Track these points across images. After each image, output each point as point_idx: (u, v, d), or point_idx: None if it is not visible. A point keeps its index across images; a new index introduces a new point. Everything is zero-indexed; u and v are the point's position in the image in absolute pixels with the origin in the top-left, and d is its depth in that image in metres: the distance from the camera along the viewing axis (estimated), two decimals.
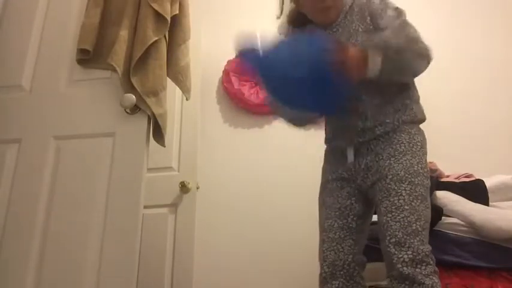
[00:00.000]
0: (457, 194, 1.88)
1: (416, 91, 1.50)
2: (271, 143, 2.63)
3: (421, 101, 1.50)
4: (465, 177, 2.06)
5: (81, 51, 1.75)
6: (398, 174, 1.33)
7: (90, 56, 1.75)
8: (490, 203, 1.88)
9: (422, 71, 1.43)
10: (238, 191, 2.59)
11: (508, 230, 1.70)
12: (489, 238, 1.73)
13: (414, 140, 1.40)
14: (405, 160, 1.36)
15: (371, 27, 1.44)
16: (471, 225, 1.75)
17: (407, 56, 1.34)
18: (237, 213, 2.54)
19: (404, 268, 1.23)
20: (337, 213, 1.43)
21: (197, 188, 2.28)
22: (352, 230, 1.41)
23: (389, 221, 1.29)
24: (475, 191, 1.90)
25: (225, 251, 2.48)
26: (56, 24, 1.88)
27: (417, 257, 1.24)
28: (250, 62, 1.43)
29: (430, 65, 1.40)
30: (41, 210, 1.60)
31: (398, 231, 1.27)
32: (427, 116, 1.48)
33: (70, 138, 1.70)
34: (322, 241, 1.44)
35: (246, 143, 2.68)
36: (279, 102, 1.43)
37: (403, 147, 1.38)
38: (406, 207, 1.29)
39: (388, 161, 1.37)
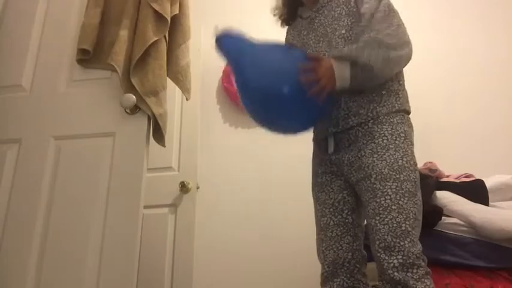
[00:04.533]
0: (457, 194, 1.88)
1: (397, 82, 1.44)
2: (272, 143, 2.63)
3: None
4: (465, 177, 2.05)
5: (81, 51, 1.75)
6: (382, 172, 1.29)
7: (90, 56, 1.75)
8: (490, 203, 1.88)
9: (399, 69, 1.43)
10: (238, 191, 2.59)
11: (509, 230, 1.69)
12: (489, 238, 1.72)
13: (397, 130, 1.35)
14: (388, 156, 1.30)
15: (354, 10, 1.43)
16: (471, 225, 1.75)
17: (378, 66, 1.31)
18: (237, 213, 2.54)
19: (396, 274, 1.20)
20: (331, 209, 1.41)
21: (197, 188, 2.28)
22: (349, 225, 1.40)
23: (378, 224, 1.26)
24: (475, 191, 1.90)
25: (225, 251, 2.48)
26: (56, 24, 1.88)
27: (408, 261, 1.21)
28: (228, 49, 1.42)
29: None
30: (41, 210, 1.60)
31: (387, 235, 1.23)
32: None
33: (70, 138, 1.70)
34: (320, 240, 1.44)
35: (246, 143, 2.68)
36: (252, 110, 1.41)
37: (385, 141, 1.33)
38: (393, 207, 1.25)
39: (371, 158, 1.32)
